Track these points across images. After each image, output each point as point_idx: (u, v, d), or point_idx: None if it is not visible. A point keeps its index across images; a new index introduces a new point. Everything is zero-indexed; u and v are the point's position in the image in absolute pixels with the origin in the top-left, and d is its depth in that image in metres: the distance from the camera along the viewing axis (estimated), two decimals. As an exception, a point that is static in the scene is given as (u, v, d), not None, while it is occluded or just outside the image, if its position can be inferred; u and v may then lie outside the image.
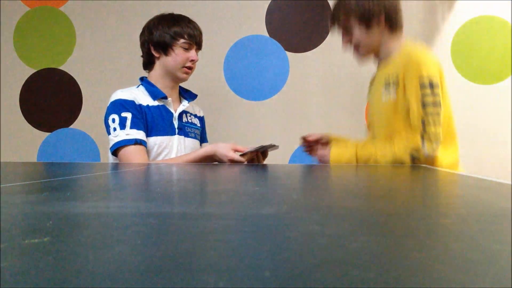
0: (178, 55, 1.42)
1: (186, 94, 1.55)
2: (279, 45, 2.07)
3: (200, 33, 1.47)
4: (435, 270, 0.18)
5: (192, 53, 1.44)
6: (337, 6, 1.34)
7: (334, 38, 2.03)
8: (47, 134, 2.22)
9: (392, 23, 1.31)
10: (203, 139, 1.61)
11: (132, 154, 1.30)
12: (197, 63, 1.47)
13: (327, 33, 2.04)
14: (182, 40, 1.42)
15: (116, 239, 0.23)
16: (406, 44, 1.31)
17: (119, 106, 1.35)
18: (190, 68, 1.45)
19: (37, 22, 2.23)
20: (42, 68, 2.22)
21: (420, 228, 0.27)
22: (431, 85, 1.18)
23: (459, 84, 1.97)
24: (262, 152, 1.38)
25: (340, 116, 2.04)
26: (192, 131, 1.51)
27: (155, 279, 0.16)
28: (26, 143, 2.23)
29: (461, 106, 1.97)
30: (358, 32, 1.32)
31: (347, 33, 1.34)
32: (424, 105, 1.18)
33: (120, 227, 0.27)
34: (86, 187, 0.54)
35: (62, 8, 2.21)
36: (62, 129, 2.21)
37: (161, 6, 2.06)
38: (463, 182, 0.60)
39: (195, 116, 1.57)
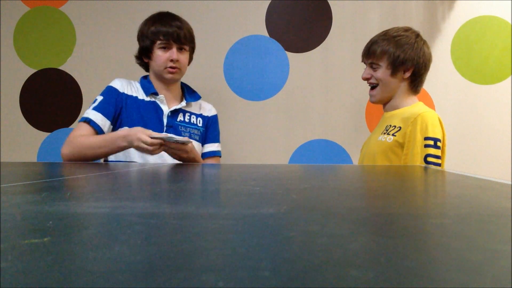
0: (158, 57, 1.42)
1: (189, 94, 1.54)
2: (279, 45, 2.07)
3: (179, 29, 1.41)
4: (435, 270, 0.18)
5: (171, 53, 1.40)
6: (377, 41, 1.39)
7: (334, 38, 2.03)
8: (47, 134, 2.22)
9: (416, 79, 1.38)
10: (208, 139, 1.56)
11: (77, 128, 1.38)
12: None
13: (327, 33, 2.04)
14: (158, 42, 1.40)
15: (116, 239, 0.23)
16: (418, 104, 1.38)
17: (103, 90, 1.44)
18: (173, 67, 1.42)
19: (37, 22, 2.22)
20: (42, 68, 2.22)
21: (420, 228, 0.27)
22: (435, 145, 1.27)
23: (459, 84, 1.97)
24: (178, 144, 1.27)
25: (340, 116, 2.04)
26: (187, 131, 1.48)
27: (155, 279, 0.16)
28: (26, 143, 2.23)
29: (461, 106, 1.97)
30: (382, 72, 1.37)
31: (372, 68, 1.39)
32: (426, 158, 1.27)
33: (120, 227, 0.27)
34: (86, 187, 0.54)
35: (62, 8, 2.21)
36: (62, 129, 2.21)
37: (161, 6, 2.05)
38: (463, 182, 0.60)
39: (199, 116, 1.54)
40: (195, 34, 1.52)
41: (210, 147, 1.56)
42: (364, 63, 1.43)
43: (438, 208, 0.37)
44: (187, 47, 1.46)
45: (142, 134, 1.22)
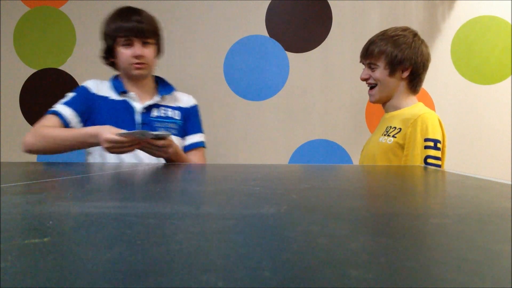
0: (121, 54, 1.36)
1: (162, 87, 1.46)
2: (279, 45, 2.07)
3: (139, 23, 1.34)
4: (435, 270, 0.18)
5: (134, 49, 1.34)
6: (374, 41, 1.39)
7: (334, 38, 2.03)
8: (47, 134, 2.22)
9: (414, 78, 1.37)
10: (188, 131, 1.47)
11: (43, 119, 1.37)
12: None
13: (327, 33, 2.04)
14: (120, 39, 1.35)
15: (116, 239, 0.23)
16: (418, 105, 1.38)
17: (75, 88, 1.45)
18: (139, 63, 1.36)
19: (37, 22, 2.23)
20: (42, 68, 2.22)
21: (420, 228, 0.27)
22: (435, 146, 1.27)
23: (459, 84, 1.97)
24: (155, 139, 1.19)
25: (340, 116, 2.04)
26: (163, 125, 1.41)
27: (155, 279, 0.16)
28: (26, 143, 2.23)
29: (461, 106, 1.97)
30: (380, 72, 1.37)
31: (370, 69, 1.40)
32: (426, 159, 1.27)
33: (120, 227, 0.27)
34: (86, 187, 0.54)
35: (62, 8, 2.21)
36: (62, 129, 2.21)
37: (160, 6, 2.06)
38: (463, 182, 0.60)
39: (176, 108, 1.46)
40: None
41: (192, 138, 1.47)
42: (363, 63, 1.44)
43: (438, 208, 0.37)
44: (151, 40, 1.38)
45: (108, 133, 1.15)
